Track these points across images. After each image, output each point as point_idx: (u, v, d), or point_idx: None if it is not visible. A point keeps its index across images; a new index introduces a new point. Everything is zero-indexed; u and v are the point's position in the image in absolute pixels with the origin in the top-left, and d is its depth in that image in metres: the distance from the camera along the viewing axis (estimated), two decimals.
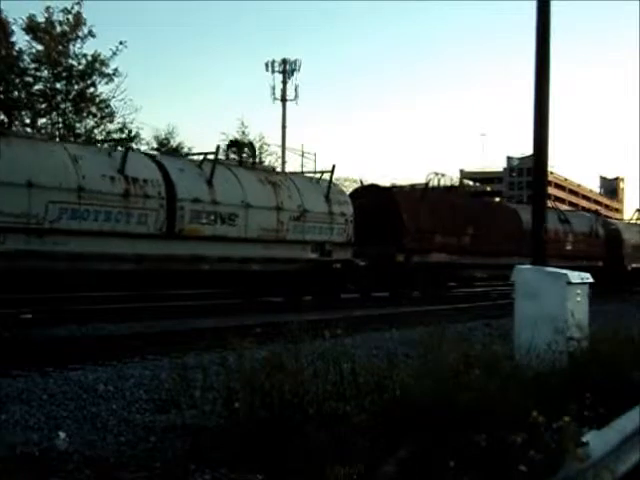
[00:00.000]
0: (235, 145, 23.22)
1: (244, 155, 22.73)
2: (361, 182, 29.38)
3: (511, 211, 32.22)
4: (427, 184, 28.87)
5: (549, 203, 36.18)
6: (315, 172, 24.55)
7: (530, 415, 4.80)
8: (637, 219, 42.46)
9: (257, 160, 29.84)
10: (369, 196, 26.00)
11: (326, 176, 23.06)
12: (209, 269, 18.47)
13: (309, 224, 21.24)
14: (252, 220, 19.48)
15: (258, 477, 4.93)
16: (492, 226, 29.30)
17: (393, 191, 28.16)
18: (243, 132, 44.69)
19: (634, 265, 36.76)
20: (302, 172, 30.38)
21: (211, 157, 19.29)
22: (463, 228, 27.91)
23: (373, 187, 27.85)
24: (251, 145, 22.99)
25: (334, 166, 23.20)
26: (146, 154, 20.48)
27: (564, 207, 49.48)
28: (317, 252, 21.50)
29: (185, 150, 40.29)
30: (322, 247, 21.63)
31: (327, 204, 22.04)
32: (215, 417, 6.04)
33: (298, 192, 21.31)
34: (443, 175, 29.71)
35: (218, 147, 20.20)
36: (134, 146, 31.08)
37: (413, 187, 28.56)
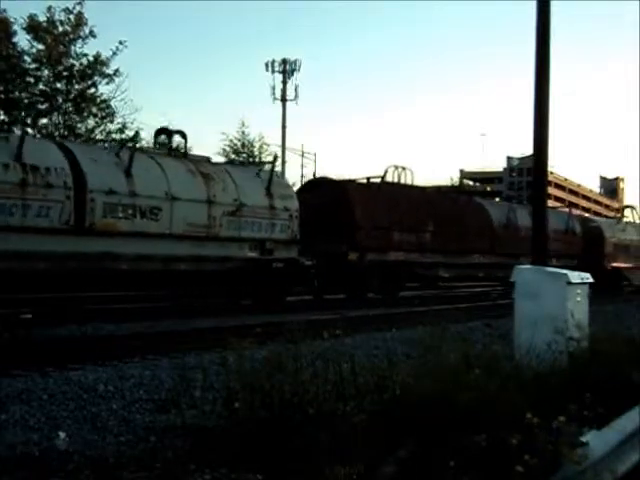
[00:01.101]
0: (164, 132, 20.78)
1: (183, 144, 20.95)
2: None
3: (479, 207, 30.45)
4: (383, 177, 26.61)
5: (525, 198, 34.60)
6: (257, 163, 22.88)
7: (526, 417, 4.80)
8: (624, 216, 40.92)
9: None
10: (320, 190, 24.54)
11: (277, 169, 21.90)
12: (128, 269, 16.61)
13: (247, 220, 19.44)
14: (178, 214, 17.66)
15: (258, 477, 4.92)
16: (458, 223, 27.55)
17: (346, 184, 26.36)
18: (243, 132, 44.73)
19: (615, 264, 34.81)
20: (243, 163, 28.43)
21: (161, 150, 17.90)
22: (424, 224, 26.25)
23: (324, 180, 26.17)
24: (182, 133, 20.80)
25: (276, 156, 21.94)
26: (53, 141, 18.92)
27: (564, 207, 48.82)
28: (256, 250, 19.76)
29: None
30: (262, 245, 19.89)
31: (268, 198, 20.22)
32: (215, 417, 6.04)
33: (234, 184, 19.46)
34: (404, 169, 27.34)
35: (137, 133, 18.73)
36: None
37: (369, 180, 26.37)
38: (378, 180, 25.92)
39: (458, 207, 28.69)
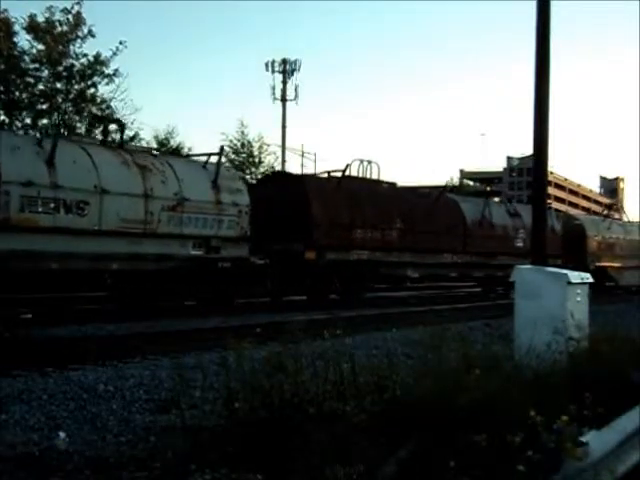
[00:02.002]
0: (99, 120, 19.53)
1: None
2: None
3: (452, 204, 28.67)
4: (344, 171, 24.91)
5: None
6: (202, 155, 21.01)
7: (529, 415, 4.80)
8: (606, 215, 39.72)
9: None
10: (276, 185, 23.05)
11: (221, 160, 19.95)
12: (54, 268, 15.24)
13: (189, 215, 17.99)
14: (109, 209, 16.23)
15: (258, 477, 4.93)
16: (427, 220, 25.97)
17: (302, 178, 25.05)
18: (242, 132, 44.70)
19: (599, 264, 32.64)
20: (188, 155, 26.70)
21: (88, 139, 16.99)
22: (390, 221, 24.61)
23: (280, 174, 25.08)
24: (120, 122, 19.40)
25: (222, 147, 20.42)
26: None
27: (564, 207, 48.55)
28: (201, 248, 18.33)
29: (185, 151, 40.27)
30: (208, 243, 18.48)
31: (214, 192, 18.80)
32: (215, 417, 6.04)
33: (176, 177, 18.07)
34: (370, 162, 25.56)
35: (60, 121, 18.07)
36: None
37: (329, 175, 24.83)
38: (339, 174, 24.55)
39: (428, 203, 27.10)
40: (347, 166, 25.35)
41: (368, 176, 25.69)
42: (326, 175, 25.22)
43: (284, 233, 21.13)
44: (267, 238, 20.66)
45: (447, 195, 29.32)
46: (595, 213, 64.31)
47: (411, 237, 25.05)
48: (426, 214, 26.05)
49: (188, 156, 25.78)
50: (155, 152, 20.21)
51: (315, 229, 21.85)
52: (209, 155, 20.16)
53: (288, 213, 21.48)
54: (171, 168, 18.29)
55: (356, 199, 23.55)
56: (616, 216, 41.11)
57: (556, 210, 43.50)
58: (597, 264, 32.06)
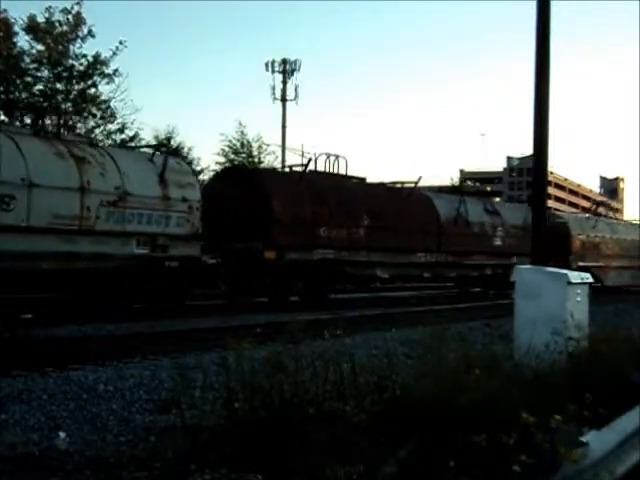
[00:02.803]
0: (31, 109, 18.12)
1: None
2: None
3: (425, 201, 27.26)
4: (306, 166, 23.55)
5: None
6: (148, 146, 19.71)
7: (531, 416, 4.81)
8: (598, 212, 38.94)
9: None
10: (233, 179, 21.81)
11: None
12: None
13: (133, 211, 16.70)
14: (39, 204, 14.95)
15: (258, 477, 4.93)
16: (398, 217, 24.63)
17: (261, 173, 23.89)
18: (242, 132, 44.68)
19: (583, 264, 30.71)
20: (134, 147, 25.25)
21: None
22: (358, 219, 23.29)
23: (239, 169, 24.16)
24: (56, 110, 18.05)
25: (169, 138, 19.58)
26: None
27: (564, 207, 48.22)
28: (146, 247, 17.06)
29: (185, 151, 40.27)
30: (154, 241, 17.22)
31: (162, 186, 17.48)
32: (215, 417, 6.04)
33: (117, 170, 16.69)
34: (337, 157, 24.10)
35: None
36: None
37: (291, 169, 23.48)
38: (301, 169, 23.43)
39: (399, 200, 25.72)
40: (309, 160, 24.16)
41: (335, 171, 24.62)
42: (288, 169, 23.86)
43: (242, 231, 20.04)
44: (224, 236, 19.73)
45: (420, 191, 28.00)
46: (595, 213, 64.16)
47: (380, 235, 23.65)
48: (397, 211, 24.82)
49: (134, 147, 24.46)
50: (96, 143, 18.97)
51: (275, 227, 20.62)
52: (155, 147, 19.18)
53: (247, 210, 20.34)
54: (112, 160, 16.96)
55: (320, 195, 22.30)
56: (610, 214, 40.64)
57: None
58: (580, 263, 30.41)
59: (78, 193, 15.70)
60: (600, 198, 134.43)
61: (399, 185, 27.87)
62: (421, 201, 26.91)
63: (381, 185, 28.05)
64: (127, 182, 16.79)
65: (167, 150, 19.35)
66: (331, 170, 24.45)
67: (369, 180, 27.35)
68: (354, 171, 24.93)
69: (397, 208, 24.94)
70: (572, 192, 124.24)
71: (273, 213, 20.62)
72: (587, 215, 38.40)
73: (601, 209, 42.35)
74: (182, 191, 18.06)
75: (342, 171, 24.88)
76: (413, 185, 27.01)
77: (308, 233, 21.38)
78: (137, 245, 16.93)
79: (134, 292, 16.82)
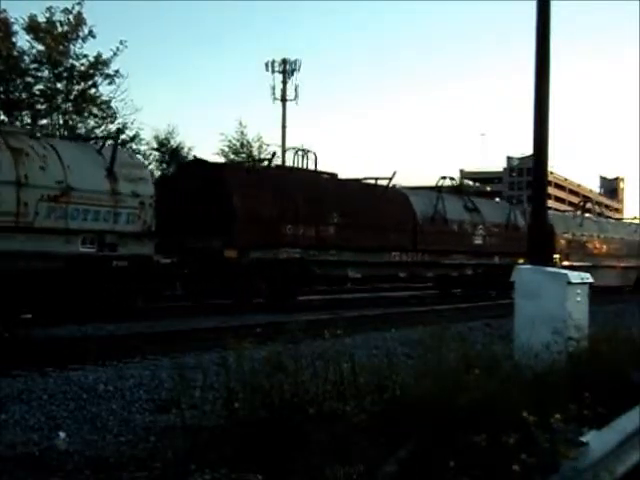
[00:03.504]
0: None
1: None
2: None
3: (400, 198, 25.85)
4: (271, 160, 22.16)
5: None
6: (96, 138, 18.60)
7: (531, 415, 4.81)
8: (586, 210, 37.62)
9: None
10: (192, 175, 20.50)
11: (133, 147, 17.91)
12: None
13: (77, 207, 15.49)
14: None
15: (258, 477, 4.93)
16: (372, 215, 23.40)
17: (222, 167, 22.65)
18: (242, 132, 44.65)
19: (568, 263, 29.27)
20: (81, 138, 23.97)
21: None
22: (327, 216, 21.96)
23: (199, 163, 22.23)
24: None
25: (119, 130, 18.47)
26: None
27: (564, 207, 47.67)
28: (93, 245, 15.89)
29: (185, 151, 40.26)
30: (101, 239, 16.04)
31: (110, 180, 16.24)
32: (215, 417, 6.04)
33: (60, 163, 15.50)
34: (306, 152, 22.89)
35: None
36: (134, 146, 31.19)
37: (255, 163, 22.79)
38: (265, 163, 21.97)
39: (372, 196, 24.44)
40: (274, 154, 23.10)
41: (305, 166, 23.50)
42: (251, 164, 22.72)
43: (202, 229, 18.98)
44: (183, 234, 18.73)
45: (396, 188, 26.65)
46: (573, 206, 63.96)
47: (352, 233, 22.45)
48: (370, 208, 23.60)
49: (80, 139, 22.82)
50: (37, 134, 17.67)
51: (236, 224, 19.37)
52: (104, 138, 18.16)
53: (206, 206, 19.18)
54: (55, 152, 15.71)
55: (286, 191, 21.08)
56: (597, 209, 39.83)
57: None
58: (565, 263, 28.92)
59: (14, 187, 14.49)
60: (600, 198, 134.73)
61: (373, 181, 26.51)
62: (396, 198, 25.67)
63: (354, 181, 27.08)
64: (71, 176, 15.54)
65: (117, 142, 18.30)
66: (301, 165, 23.40)
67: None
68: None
69: (370, 205, 23.79)
70: (572, 192, 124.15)
71: (234, 210, 19.45)
72: (573, 213, 37.35)
73: (589, 205, 41.34)
74: (133, 186, 16.72)
75: (311, 166, 23.81)
76: (387, 181, 25.61)
77: (273, 231, 20.25)
78: (83, 243, 15.75)
79: (80, 293, 15.47)
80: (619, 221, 47.85)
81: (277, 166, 22.73)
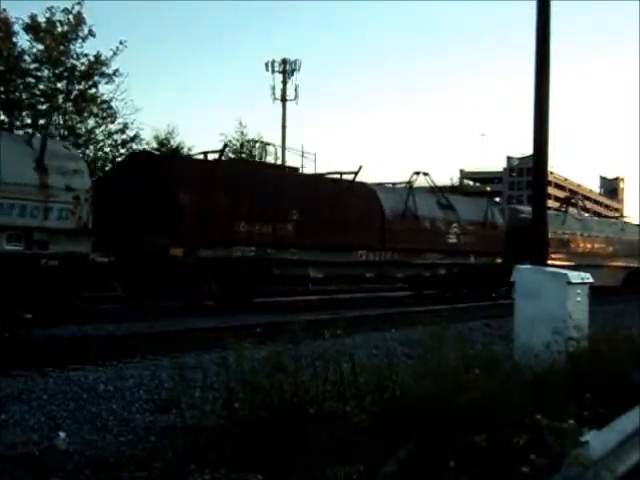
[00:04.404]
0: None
1: None
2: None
3: (367, 193, 24.45)
4: (222, 153, 20.90)
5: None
6: (26, 125, 17.35)
7: (530, 416, 4.81)
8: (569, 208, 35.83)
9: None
10: (137, 168, 19.08)
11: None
12: None
13: (1, 201, 14.35)
14: None
15: (258, 477, 4.93)
16: (335, 211, 22.12)
17: (168, 160, 21.52)
18: (242, 132, 44.67)
19: (549, 262, 28.68)
20: (6, 127, 22.55)
21: None
22: (286, 212, 20.66)
23: (144, 155, 21.10)
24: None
25: (49, 123, 16.89)
26: None
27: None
28: (20, 243, 14.70)
29: (185, 150, 40.25)
30: (29, 236, 14.82)
31: (39, 173, 14.96)
32: (215, 417, 6.04)
33: None
34: (266, 144, 22.57)
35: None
36: (134, 146, 31.17)
37: (206, 156, 21.09)
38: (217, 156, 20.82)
39: (336, 192, 22.95)
40: (225, 145, 21.34)
41: (264, 160, 22.27)
42: (202, 157, 21.37)
43: (147, 226, 17.78)
44: (126, 232, 17.58)
45: (362, 183, 25.01)
46: (595, 213, 63.83)
47: (313, 231, 21.08)
48: (333, 204, 22.26)
49: (6, 128, 21.07)
50: None
51: (184, 220, 18.14)
52: (33, 127, 16.61)
53: (152, 201, 17.85)
54: None
55: (240, 185, 19.74)
56: (580, 203, 38.61)
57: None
58: (547, 263, 28.22)
59: None
60: (600, 198, 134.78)
61: (337, 176, 25.16)
62: (363, 193, 24.18)
63: (316, 176, 25.51)
64: None
65: (47, 132, 17.37)
66: (262, 159, 22.04)
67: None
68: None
69: (334, 201, 22.42)
70: (572, 192, 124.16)
71: (181, 205, 18.17)
72: (555, 211, 35.49)
73: (574, 200, 40.24)
74: (67, 179, 15.35)
75: (270, 159, 22.73)
76: (353, 176, 24.14)
77: (224, 228, 18.89)
78: (8, 241, 14.50)
79: (6, 295, 14.11)
80: (604, 219, 46.64)
81: (232, 159, 21.75)
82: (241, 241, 19.43)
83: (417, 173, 26.68)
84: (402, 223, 24.61)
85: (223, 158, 22.12)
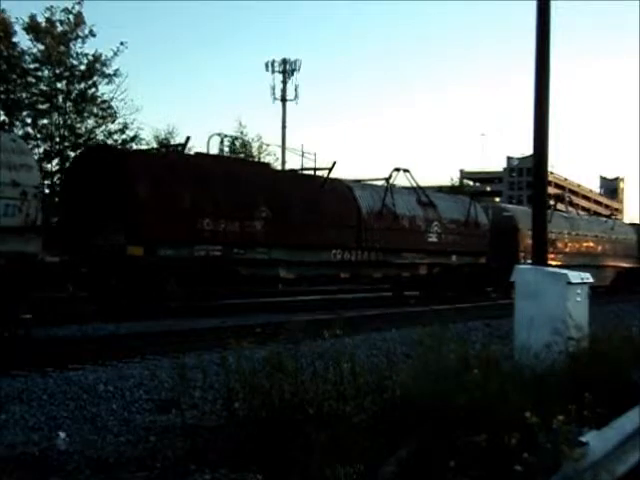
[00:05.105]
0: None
1: None
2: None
3: (342, 191, 23.25)
4: (184, 146, 19.99)
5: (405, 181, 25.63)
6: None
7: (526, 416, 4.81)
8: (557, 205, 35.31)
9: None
10: (94, 163, 18.10)
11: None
12: None
13: None
14: None
15: (258, 477, 4.93)
16: (308, 209, 21.16)
17: (125, 153, 20.64)
18: (241, 132, 44.67)
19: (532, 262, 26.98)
20: None
21: None
22: (254, 209, 19.55)
23: (102, 150, 19.93)
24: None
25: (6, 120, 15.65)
26: None
27: (563, 207, 46.60)
28: None
29: (185, 151, 40.18)
30: None
31: None
32: (215, 417, 6.05)
33: None
34: (235, 139, 21.40)
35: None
36: (134, 146, 31.16)
37: (167, 150, 20.18)
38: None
39: (310, 189, 21.98)
40: (188, 138, 20.49)
41: (233, 154, 20.96)
42: (163, 150, 20.44)
43: (104, 223, 16.93)
44: (83, 229, 16.90)
45: (338, 179, 23.93)
46: (595, 213, 63.71)
47: (284, 229, 20.14)
48: (306, 202, 21.33)
49: None
50: None
51: (142, 217, 17.09)
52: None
53: (109, 197, 17.01)
54: None
55: (204, 181, 18.77)
56: (568, 199, 37.77)
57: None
58: (529, 262, 27.00)
59: None
60: (600, 198, 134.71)
61: (312, 172, 24.00)
62: (338, 191, 23.03)
63: (288, 172, 24.26)
64: None
65: None
66: (230, 153, 20.87)
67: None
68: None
69: (306, 198, 21.45)
70: (572, 192, 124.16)
71: (139, 201, 17.23)
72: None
73: (563, 196, 39.57)
74: (13, 174, 14.28)
75: (241, 153, 21.10)
76: (327, 172, 23.07)
77: (187, 226, 17.90)
78: None
79: None
80: (594, 217, 45.79)
81: (196, 153, 20.92)
82: (205, 239, 18.42)
83: (397, 170, 25.67)
84: (380, 221, 23.66)
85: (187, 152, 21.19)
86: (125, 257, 16.80)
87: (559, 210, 35.17)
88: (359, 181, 25.76)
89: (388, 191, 24.38)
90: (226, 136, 21.08)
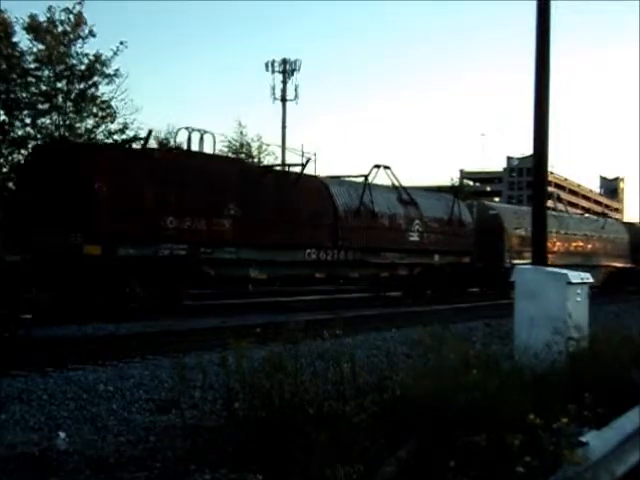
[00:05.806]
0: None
1: None
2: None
3: (318, 187, 22.34)
4: (146, 140, 19.22)
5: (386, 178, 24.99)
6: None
7: (527, 416, 4.81)
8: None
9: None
10: (51, 158, 17.36)
11: None
12: None
13: None
14: None
15: (258, 477, 4.93)
16: (280, 207, 20.40)
17: (84, 148, 19.69)
18: (241, 132, 44.63)
19: (519, 261, 24.88)
20: None
21: None
22: (222, 207, 18.76)
23: (59, 144, 19.44)
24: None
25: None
26: None
27: (563, 207, 46.29)
28: None
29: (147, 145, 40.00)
30: None
31: None
32: (215, 417, 6.04)
33: None
34: (203, 133, 19.56)
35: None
36: (134, 146, 31.13)
37: (130, 145, 19.63)
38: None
39: (282, 185, 21.03)
40: (150, 132, 19.57)
41: (200, 150, 20.28)
42: (127, 147, 19.76)
43: (60, 221, 16.14)
44: (37, 228, 16.18)
45: (313, 176, 23.15)
46: (595, 213, 63.66)
47: (254, 228, 19.29)
48: (279, 199, 20.52)
49: None
50: None
51: (100, 215, 16.35)
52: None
53: (65, 194, 16.22)
54: None
55: (168, 177, 17.82)
56: (561, 199, 37.18)
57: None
58: (515, 262, 25.17)
59: None
60: (600, 198, 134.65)
61: (285, 169, 23.01)
62: (313, 188, 22.07)
63: (260, 168, 23.48)
64: None
65: None
66: (198, 149, 20.19)
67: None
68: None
69: (279, 196, 20.62)
70: (572, 192, 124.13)
71: (97, 197, 16.39)
72: (528, 207, 34.57)
73: (552, 193, 39.10)
74: None
75: (208, 149, 20.38)
76: (301, 168, 22.32)
77: (149, 223, 17.08)
78: None
79: None
80: (584, 216, 45.21)
81: (160, 149, 20.26)
82: (169, 238, 17.57)
83: (377, 166, 24.75)
84: (357, 220, 22.81)
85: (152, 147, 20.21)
86: (82, 257, 16.03)
87: (547, 208, 34.84)
88: (336, 177, 24.99)
89: (367, 188, 23.47)
90: (193, 130, 19.60)
